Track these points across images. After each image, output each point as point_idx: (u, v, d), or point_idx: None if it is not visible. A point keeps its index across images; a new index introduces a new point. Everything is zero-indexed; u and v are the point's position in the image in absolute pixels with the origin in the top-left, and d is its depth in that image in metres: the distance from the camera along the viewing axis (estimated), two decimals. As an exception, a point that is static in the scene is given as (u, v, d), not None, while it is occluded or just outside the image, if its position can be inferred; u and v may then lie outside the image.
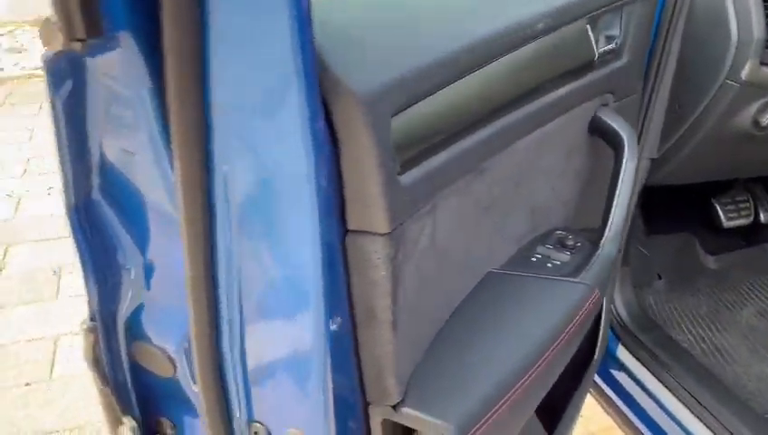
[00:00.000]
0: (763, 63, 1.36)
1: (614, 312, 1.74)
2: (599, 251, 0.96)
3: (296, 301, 0.57)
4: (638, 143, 1.55)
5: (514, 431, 0.79)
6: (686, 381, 1.57)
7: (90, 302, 0.65)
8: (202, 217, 0.54)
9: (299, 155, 0.52)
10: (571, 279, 0.89)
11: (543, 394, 0.83)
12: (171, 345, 0.66)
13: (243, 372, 0.62)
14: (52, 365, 2.40)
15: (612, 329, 1.74)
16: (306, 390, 0.60)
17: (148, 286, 0.64)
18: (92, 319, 0.65)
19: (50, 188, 3.46)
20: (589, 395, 1.77)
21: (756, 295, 2.04)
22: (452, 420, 0.64)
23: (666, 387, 1.58)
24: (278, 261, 0.57)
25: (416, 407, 0.65)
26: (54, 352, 2.46)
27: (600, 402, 1.74)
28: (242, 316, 0.60)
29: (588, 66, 1.02)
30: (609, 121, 1.08)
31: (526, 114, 0.85)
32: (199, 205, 0.53)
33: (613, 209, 1.02)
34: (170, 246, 0.59)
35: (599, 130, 1.10)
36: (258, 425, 0.65)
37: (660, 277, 2.04)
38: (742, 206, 2.10)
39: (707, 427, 1.47)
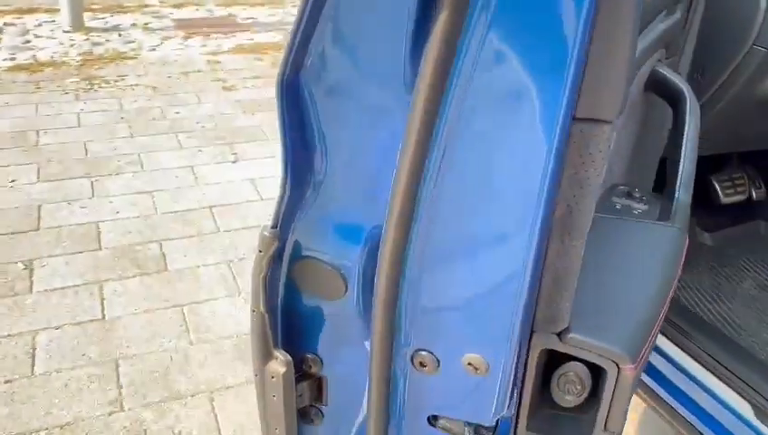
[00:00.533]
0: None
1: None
2: (676, 197, 0.95)
3: (506, 211, 0.52)
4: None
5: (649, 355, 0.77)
6: (706, 345, 1.58)
7: (279, 203, 0.58)
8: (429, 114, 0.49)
9: None
10: (666, 223, 0.88)
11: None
12: (348, 262, 0.60)
13: (420, 295, 0.57)
14: (33, 361, 2.26)
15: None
16: (494, 311, 0.55)
17: (335, 195, 0.58)
18: (275, 226, 0.59)
19: (12, 181, 3.27)
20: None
21: (754, 269, 2.09)
22: (623, 346, 0.61)
23: (687, 353, 1.59)
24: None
25: (585, 333, 0.62)
26: (34, 348, 2.32)
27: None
28: (433, 234, 0.55)
29: (652, 19, 1.02)
30: (669, 76, 1.08)
31: None
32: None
33: (682, 159, 1.01)
34: (370, 150, 0.54)
35: (656, 86, 1.09)
36: (426, 354, 0.60)
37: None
38: (738, 182, 2.15)
39: (737, 392, 1.48)
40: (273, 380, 0.60)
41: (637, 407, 1.94)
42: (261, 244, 0.57)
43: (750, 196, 2.19)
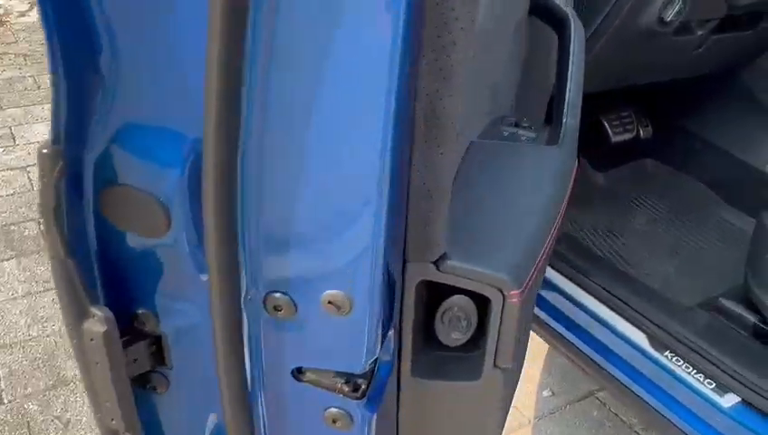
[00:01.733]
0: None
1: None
2: (564, 122, 0.91)
3: (352, 110, 0.43)
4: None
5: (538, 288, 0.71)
6: (602, 280, 1.59)
7: (56, 111, 0.46)
8: None
9: None
10: (555, 146, 0.83)
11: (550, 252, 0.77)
12: (166, 187, 0.49)
13: (260, 224, 0.47)
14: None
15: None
16: (350, 237, 0.47)
17: (134, 98, 0.45)
18: (56, 141, 0.46)
19: None
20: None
21: (644, 205, 2.14)
22: (506, 271, 0.55)
23: (585, 290, 1.60)
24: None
25: (464, 259, 0.55)
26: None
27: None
28: (265, 145, 0.44)
29: None
30: (550, 2, 1.03)
31: None
32: None
33: (568, 86, 0.97)
34: (171, 32, 0.43)
35: (540, 10, 1.04)
36: (279, 296, 0.51)
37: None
38: (626, 120, 2.18)
39: (633, 324, 1.50)
40: (93, 342, 0.50)
41: (539, 346, 1.95)
42: (41, 167, 0.45)
43: (638, 134, 2.23)
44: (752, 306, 1.48)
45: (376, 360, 0.54)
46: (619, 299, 1.54)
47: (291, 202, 0.47)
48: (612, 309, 1.54)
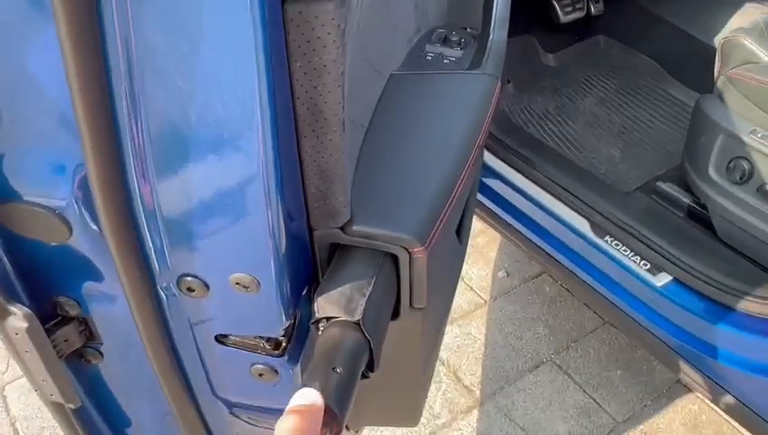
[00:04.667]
0: None
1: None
2: (490, 38, 0.90)
3: (230, 104, 0.44)
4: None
5: (453, 230, 0.75)
6: (548, 171, 1.64)
7: None
8: None
9: None
10: (475, 71, 0.83)
11: (474, 188, 0.80)
12: (62, 200, 0.50)
13: (156, 217, 0.49)
14: None
15: (476, 136, 1.76)
16: (245, 223, 0.49)
17: (19, 125, 0.45)
18: None
19: None
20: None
21: (594, 86, 2.15)
22: (409, 230, 0.58)
23: (531, 180, 1.65)
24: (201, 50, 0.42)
25: (368, 223, 0.58)
26: None
27: (477, 214, 1.80)
28: (147, 142, 0.46)
29: None
30: None
31: None
32: None
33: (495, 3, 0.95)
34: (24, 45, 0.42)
35: None
36: (191, 279, 0.54)
37: (509, 81, 2.08)
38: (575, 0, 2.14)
39: (575, 210, 1.56)
40: (19, 336, 0.53)
41: (495, 231, 2.02)
42: None
43: (588, 11, 2.20)
44: (688, 188, 1.54)
45: (296, 316, 0.58)
46: (562, 187, 1.60)
47: (184, 196, 0.49)
48: (556, 197, 1.60)
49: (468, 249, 2.25)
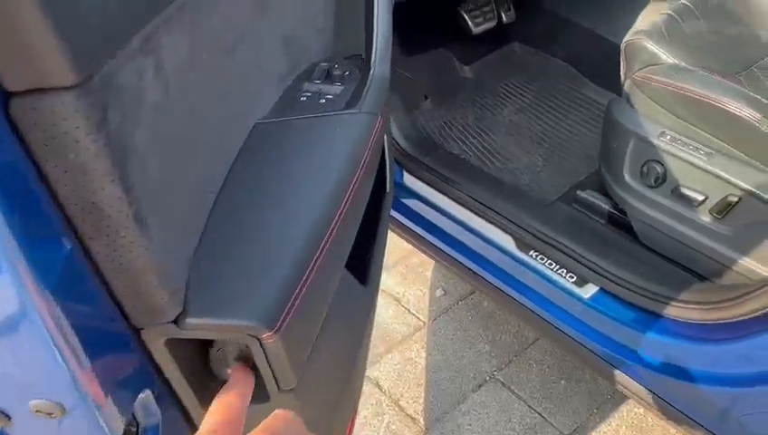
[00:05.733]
0: None
1: (392, 140, 1.71)
2: (371, 73, 0.85)
3: None
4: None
5: (328, 295, 0.69)
6: (471, 189, 1.61)
7: None
8: None
9: None
10: (351, 111, 0.78)
11: (350, 244, 0.74)
12: None
13: None
14: None
15: (394, 158, 1.72)
16: (24, 342, 0.42)
17: None
18: None
19: None
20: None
21: (512, 94, 2.14)
22: (253, 316, 0.51)
23: (454, 201, 1.62)
24: None
25: (204, 313, 0.51)
26: None
27: (396, 232, 1.75)
28: None
29: None
30: None
31: None
32: None
33: (375, 25, 0.90)
34: None
35: None
36: None
37: (426, 97, 2.05)
38: (485, 10, 2.13)
39: (499, 227, 1.53)
40: None
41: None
42: None
43: (500, 20, 2.19)
44: (607, 194, 1.53)
45: (137, 427, 0.51)
46: (484, 204, 1.56)
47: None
48: (478, 214, 1.57)
49: (403, 270, 2.21)
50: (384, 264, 2.12)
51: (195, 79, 0.56)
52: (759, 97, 1.24)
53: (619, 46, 2.05)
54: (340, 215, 0.63)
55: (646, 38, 1.39)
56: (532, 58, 2.26)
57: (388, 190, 1.25)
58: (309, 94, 0.82)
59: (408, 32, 2.03)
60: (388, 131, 1.73)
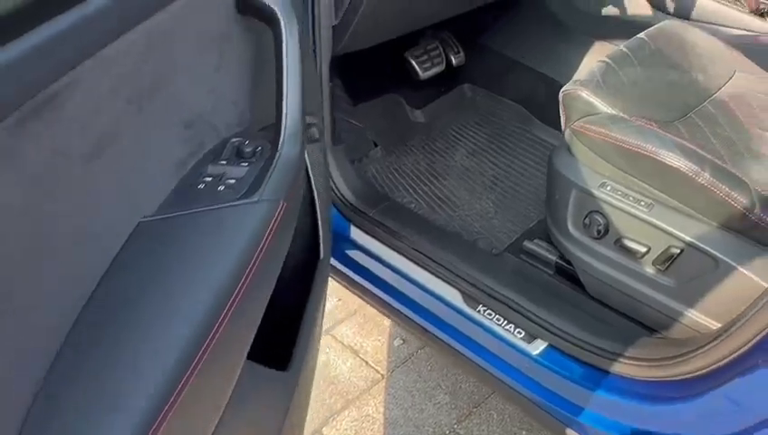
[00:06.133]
0: None
1: (338, 194, 1.67)
2: (278, 154, 0.82)
3: None
4: (312, 12, 1.42)
5: (212, 406, 0.63)
6: (418, 242, 1.57)
7: None
8: None
9: None
10: (248, 200, 0.73)
11: (248, 339, 0.69)
12: None
13: None
14: None
15: (341, 212, 1.68)
16: None
17: None
18: None
19: None
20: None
21: (464, 137, 2.12)
22: None
23: (402, 255, 1.58)
24: None
25: None
26: None
27: (344, 285, 1.71)
28: None
29: None
30: None
31: (102, 9, 0.62)
32: None
33: (284, 104, 0.87)
34: None
35: (247, 8, 0.92)
36: None
37: (376, 145, 2.02)
38: (433, 54, 2.12)
39: (446, 282, 1.50)
40: None
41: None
42: None
43: (449, 63, 2.18)
44: (553, 244, 1.50)
45: None
46: (432, 259, 1.53)
47: None
48: (426, 269, 1.53)
49: (361, 320, 2.16)
50: (341, 315, 2.07)
51: (51, 184, 0.52)
52: (695, 148, 1.23)
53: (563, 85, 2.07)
54: (225, 317, 0.59)
55: (582, 88, 1.38)
56: (483, 99, 2.25)
57: (322, 257, 1.21)
58: (209, 180, 0.78)
59: (356, 80, 2.02)
60: (334, 185, 1.70)
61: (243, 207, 0.72)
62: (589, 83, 1.39)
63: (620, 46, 1.49)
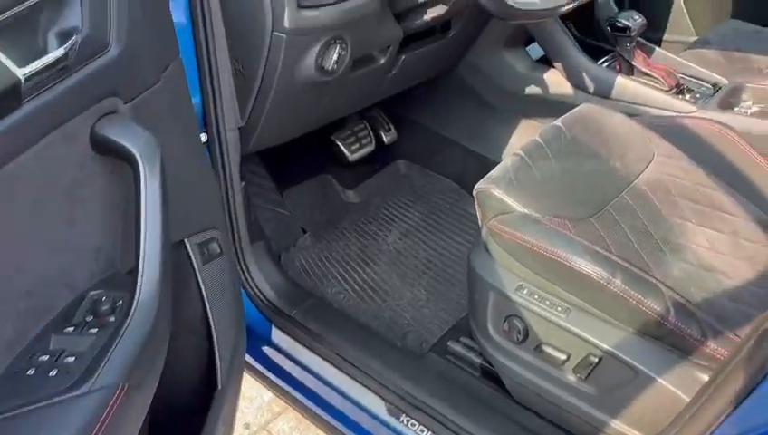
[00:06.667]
0: (301, 7, 1.23)
1: (259, 294, 1.60)
2: (131, 314, 0.74)
3: None
4: (215, 114, 1.36)
5: None
6: (340, 345, 1.50)
7: None
8: None
9: None
10: (72, 394, 0.65)
11: None
12: None
13: None
14: None
15: (261, 312, 1.61)
16: None
17: None
18: None
19: None
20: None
21: (398, 216, 2.07)
22: None
23: (325, 359, 1.51)
24: None
25: None
26: None
27: (264, 386, 1.63)
28: None
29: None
30: (111, 136, 0.85)
31: None
32: None
33: (142, 245, 0.80)
34: None
35: (103, 149, 0.86)
36: None
37: (305, 231, 1.96)
38: (361, 135, 2.08)
39: (369, 389, 1.42)
40: None
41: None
42: None
43: (380, 141, 2.14)
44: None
45: None
46: (354, 365, 1.46)
47: None
48: (348, 375, 1.46)
49: (299, 414, 2.07)
50: (278, 408, 1.94)
51: None
52: (606, 254, 1.18)
53: (495, 162, 2.04)
54: None
55: (495, 186, 1.33)
56: (418, 175, 2.21)
57: (219, 388, 1.14)
58: (45, 359, 0.70)
59: (283, 165, 1.97)
60: (255, 285, 1.63)
61: (67, 402, 0.65)
62: (501, 181, 1.34)
63: (536, 136, 1.46)
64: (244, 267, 1.58)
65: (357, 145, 2.05)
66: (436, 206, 2.10)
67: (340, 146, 2.02)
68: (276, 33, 1.23)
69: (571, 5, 1.41)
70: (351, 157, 2.04)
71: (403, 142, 2.20)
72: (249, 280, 1.59)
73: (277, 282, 1.65)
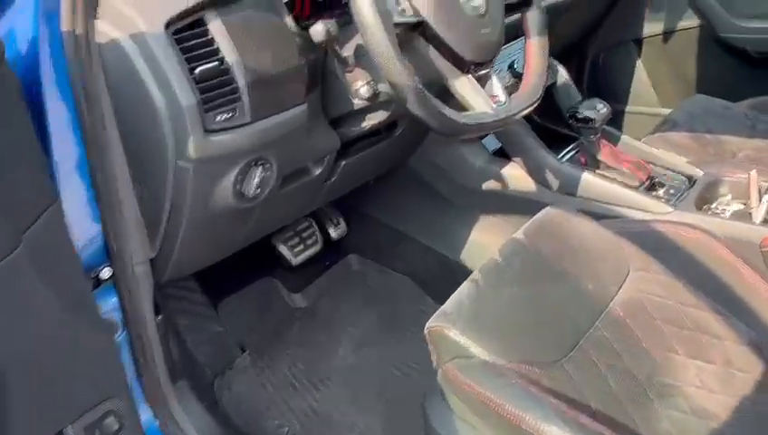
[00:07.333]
0: (209, 131, 1.03)
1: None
2: None
3: None
4: (118, 246, 1.15)
5: None
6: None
7: None
8: None
9: None
10: None
11: None
12: None
13: None
14: None
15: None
16: None
17: None
18: None
19: None
20: None
21: (350, 323, 1.86)
22: None
23: None
24: None
25: None
26: None
27: None
28: None
29: None
30: None
31: None
32: None
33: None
34: None
35: None
36: None
37: (244, 350, 1.73)
38: (306, 235, 1.88)
39: None
40: None
41: None
42: None
43: (328, 238, 1.94)
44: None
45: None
46: None
47: None
48: None
49: None
50: None
51: None
52: (583, 421, 0.99)
53: (459, 263, 1.85)
54: None
55: (450, 325, 1.13)
56: (371, 272, 2.01)
57: None
58: None
59: (218, 273, 1.75)
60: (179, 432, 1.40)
61: None
62: (457, 318, 1.15)
63: (496, 256, 1.27)
64: (165, 414, 1.35)
65: (301, 247, 1.85)
66: (393, 308, 1.90)
67: (282, 250, 1.82)
68: (180, 164, 1.03)
69: (530, 108, 1.25)
70: (295, 260, 1.84)
71: (354, 236, 2.01)
72: (171, 429, 1.36)
73: (206, 425, 1.42)
